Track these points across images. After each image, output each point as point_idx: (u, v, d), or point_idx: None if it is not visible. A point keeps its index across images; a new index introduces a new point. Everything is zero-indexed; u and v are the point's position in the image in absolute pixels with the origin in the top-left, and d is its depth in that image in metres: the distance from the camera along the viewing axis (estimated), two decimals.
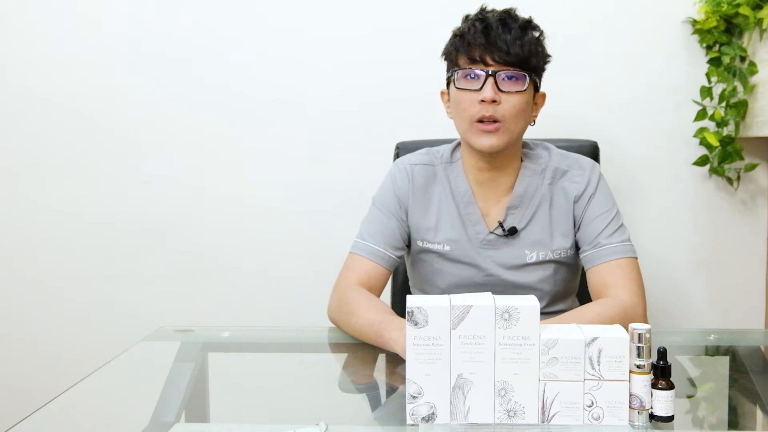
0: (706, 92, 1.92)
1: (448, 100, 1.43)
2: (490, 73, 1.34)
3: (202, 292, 2.12)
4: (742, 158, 1.93)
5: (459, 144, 1.50)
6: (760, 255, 2.03)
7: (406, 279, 1.66)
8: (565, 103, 1.93)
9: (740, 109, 1.87)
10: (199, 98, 2.06)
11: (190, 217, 2.10)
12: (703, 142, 1.94)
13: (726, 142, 1.91)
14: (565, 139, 1.72)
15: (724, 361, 1.37)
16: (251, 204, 2.09)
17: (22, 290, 2.14)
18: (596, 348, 0.93)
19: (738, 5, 1.83)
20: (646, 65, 1.99)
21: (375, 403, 1.14)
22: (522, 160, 1.47)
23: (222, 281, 2.11)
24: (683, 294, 2.06)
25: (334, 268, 1.48)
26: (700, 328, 1.94)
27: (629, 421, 0.94)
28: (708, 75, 1.92)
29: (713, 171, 1.97)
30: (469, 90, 1.36)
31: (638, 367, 0.93)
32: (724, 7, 1.86)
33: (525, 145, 1.49)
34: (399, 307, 1.72)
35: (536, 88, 1.41)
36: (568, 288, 1.51)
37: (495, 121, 1.35)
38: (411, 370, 0.95)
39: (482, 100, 1.33)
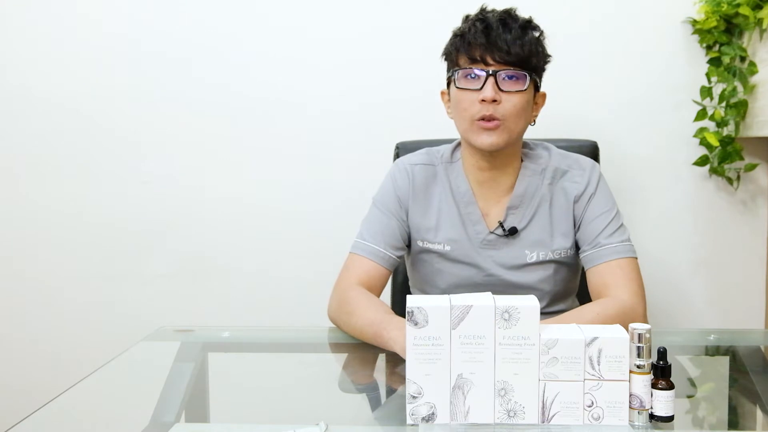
0: (706, 92, 1.92)
1: (449, 100, 1.43)
2: (490, 72, 1.34)
3: (202, 292, 2.12)
4: (742, 158, 1.93)
5: (459, 144, 1.50)
6: (760, 255, 2.03)
7: (406, 279, 1.66)
8: (565, 103, 1.93)
9: (740, 109, 1.87)
10: (199, 98, 2.06)
11: (190, 217, 2.10)
12: (703, 142, 1.94)
13: (726, 142, 1.91)
14: (565, 139, 1.72)
15: (724, 361, 1.37)
16: (251, 204, 2.09)
17: (22, 290, 2.14)
18: (596, 348, 0.93)
19: (738, 5, 1.83)
20: (646, 65, 1.99)
21: (375, 403, 1.14)
22: (522, 160, 1.47)
23: (222, 281, 2.11)
24: (683, 294, 2.06)
25: (334, 268, 1.48)
26: (700, 328, 1.94)
27: (629, 421, 0.94)
28: (708, 75, 1.92)
29: (713, 171, 1.97)
30: (470, 90, 1.36)
31: (638, 367, 0.93)
32: (724, 7, 1.86)
33: (525, 145, 1.49)
34: (399, 307, 1.72)
35: (536, 88, 1.41)
36: (568, 288, 1.51)
37: (497, 120, 1.35)
38: (411, 370, 0.95)
39: (482, 100, 1.33)
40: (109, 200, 2.10)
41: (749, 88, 1.86)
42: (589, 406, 0.94)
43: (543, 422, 0.95)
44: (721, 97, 1.89)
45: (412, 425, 0.95)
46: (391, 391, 1.16)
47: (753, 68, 1.85)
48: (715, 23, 1.88)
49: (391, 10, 2.02)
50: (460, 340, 0.94)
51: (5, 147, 2.10)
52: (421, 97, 1.96)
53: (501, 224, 1.44)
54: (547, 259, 1.44)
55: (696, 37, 1.96)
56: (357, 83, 2.04)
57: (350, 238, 1.49)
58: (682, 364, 1.28)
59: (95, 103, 2.08)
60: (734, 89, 1.86)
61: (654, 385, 0.93)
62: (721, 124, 1.91)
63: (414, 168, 1.49)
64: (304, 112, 2.06)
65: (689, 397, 1.13)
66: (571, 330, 0.96)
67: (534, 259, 1.43)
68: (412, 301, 0.95)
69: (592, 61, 2.00)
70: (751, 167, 1.96)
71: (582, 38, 1.98)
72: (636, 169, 2.02)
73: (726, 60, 1.89)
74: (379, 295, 1.43)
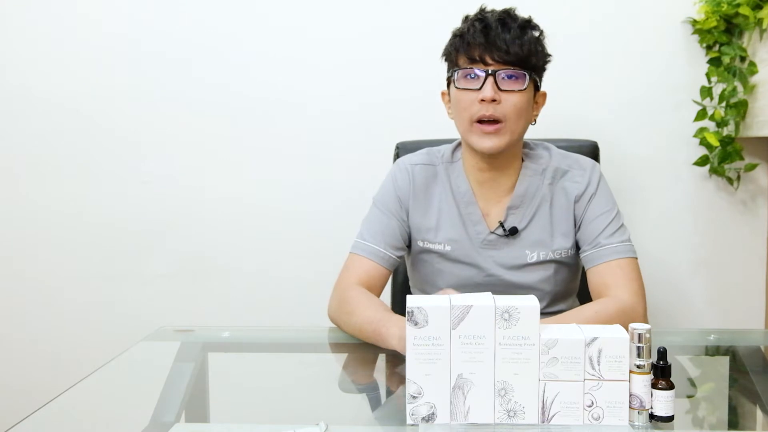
0: (706, 92, 1.92)
1: (449, 100, 1.43)
2: (489, 72, 1.34)
3: (202, 292, 2.12)
4: (742, 158, 1.93)
5: (460, 144, 1.50)
6: (760, 255, 2.03)
7: (406, 279, 1.66)
8: (565, 103, 1.93)
9: (740, 109, 1.87)
10: (199, 98, 2.06)
11: (190, 217, 2.10)
12: (703, 142, 1.94)
13: (726, 142, 1.91)
14: (565, 139, 1.72)
15: (724, 361, 1.37)
16: (251, 204, 2.09)
17: (22, 290, 2.14)
18: (596, 348, 0.93)
19: (738, 5, 1.83)
20: (646, 65, 1.99)
21: (375, 403, 1.14)
22: (523, 160, 1.47)
23: (222, 281, 2.11)
24: (683, 294, 2.06)
25: (334, 268, 1.48)
26: (700, 328, 1.94)
27: (629, 421, 0.94)
28: (708, 75, 1.92)
29: (713, 171, 1.97)
30: (469, 90, 1.36)
31: (638, 367, 0.93)
32: (724, 7, 1.86)
33: (525, 145, 1.49)
34: (399, 307, 1.72)
35: (537, 88, 1.41)
36: (569, 288, 1.51)
37: (496, 121, 1.35)
38: (411, 370, 0.95)
39: (482, 100, 1.34)
40: (109, 200, 2.10)
41: (749, 88, 1.86)
42: (589, 406, 0.94)
43: (543, 422, 0.95)
44: (721, 97, 1.89)
45: (412, 425, 0.95)
46: (391, 391, 1.16)
47: (753, 68, 1.85)
48: (715, 23, 1.88)
49: (391, 10, 2.02)
50: (460, 340, 0.94)
51: (5, 147, 2.10)
52: (421, 97, 1.96)
53: (501, 224, 1.44)
54: (548, 259, 1.44)
55: (696, 37, 1.96)
56: (357, 83, 2.04)
57: (350, 238, 1.49)
58: (682, 364, 1.28)
59: (95, 103, 2.08)
60: (734, 89, 1.86)
61: (654, 385, 0.93)
62: (721, 124, 1.91)
63: (414, 168, 1.49)
64: (304, 112, 2.06)
65: (689, 397, 1.13)
66: (571, 330, 0.96)
67: (534, 259, 1.43)
68: (412, 301, 0.95)
69: (592, 61, 2.00)
70: (751, 167, 1.96)
71: (582, 38, 1.98)
72: (636, 169, 2.02)
73: (726, 60, 1.89)
74: (379, 296, 1.43)
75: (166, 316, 2.06)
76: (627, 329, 0.95)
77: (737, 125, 1.90)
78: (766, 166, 2.01)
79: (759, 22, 1.80)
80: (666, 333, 1.46)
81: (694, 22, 1.94)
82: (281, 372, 1.30)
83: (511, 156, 1.44)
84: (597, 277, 1.38)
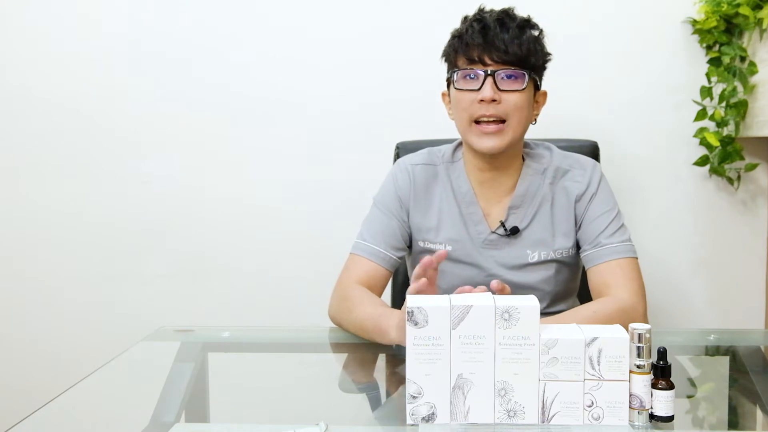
0: (706, 92, 1.92)
1: (449, 101, 1.43)
2: (488, 72, 1.34)
3: (202, 292, 2.12)
4: (742, 158, 1.93)
5: (460, 144, 1.50)
6: (760, 255, 2.03)
7: (406, 279, 1.66)
8: (565, 103, 1.93)
9: (740, 109, 1.87)
10: (199, 98, 2.06)
11: (190, 217, 2.10)
12: (703, 142, 1.93)
13: (726, 142, 1.91)
14: (565, 139, 1.72)
15: (724, 361, 1.37)
16: (251, 204, 2.09)
17: (22, 290, 2.14)
18: (596, 348, 0.93)
19: (738, 5, 1.83)
20: (646, 65, 1.99)
21: (375, 403, 1.14)
22: (524, 160, 1.47)
23: (222, 281, 2.11)
24: (683, 294, 2.06)
25: (334, 268, 1.48)
26: (700, 328, 1.93)
27: (629, 421, 0.94)
28: (708, 75, 1.92)
29: (713, 171, 1.97)
30: (469, 90, 1.36)
31: (638, 367, 0.93)
32: (724, 7, 1.86)
33: (526, 144, 1.49)
34: (399, 307, 1.72)
35: (537, 87, 1.41)
36: (569, 288, 1.51)
37: (496, 121, 1.35)
38: (411, 370, 0.95)
39: (481, 100, 1.34)
40: (109, 200, 2.10)
41: (749, 88, 1.86)
42: (589, 406, 0.94)
43: (543, 422, 0.95)
44: (721, 97, 1.89)
45: (412, 425, 0.95)
46: (390, 392, 1.16)
47: (753, 68, 1.85)
48: (715, 23, 1.88)
49: (391, 10, 2.02)
50: (460, 340, 0.94)
51: (5, 147, 2.10)
52: (421, 97, 1.96)
53: (503, 224, 1.44)
54: (549, 258, 1.44)
55: (696, 37, 1.96)
56: (357, 83, 2.04)
57: (350, 238, 1.49)
58: (682, 364, 1.28)
59: (95, 103, 2.08)
60: (734, 89, 1.86)
61: (654, 385, 0.93)
62: (721, 124, 1.91)
63: (415, 168, 1.49)
64: (304, 112, 2.06)
65: (689, 397, 1.13)
66: (571, 330, 0.96)
67: (536, 259, 1.43)
68: (412, 301, 0.95)
69: (592, 61, 2.00)
70: (752, 167, 1.96)
71: (582, 38, 1.98)
72: (636, 169, 2.02)
73: (726, 60, 1.89)
74: (379, 296, 1.43)
75: (166, 316, 2.06)
76: (627, 329, 0.95)
77: (737, 125, 1.90)
78: (766, 166, 2.01)
79: (759, 22, 1.80)
80: (666, 333, 1.46)
81: (694, 22, 1.94)
82: (281, 372, 1.30)
83: (512, 156, 1.44)
84: (597, 276, 1.38)
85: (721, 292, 2.05)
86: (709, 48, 1.95)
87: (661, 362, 0.94)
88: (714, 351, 1.39)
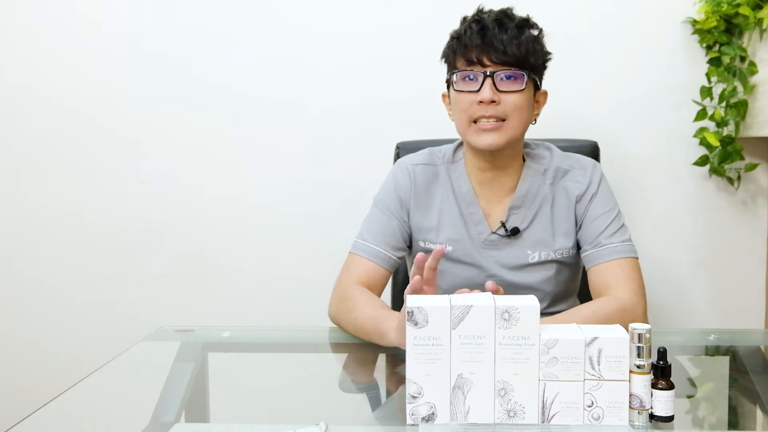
0: (706, 92, 1.92)
1: (449, 102, 1.43)
2: (487, 73, 1.34)
3: (202, 292, 2.12)
4: (742, 158, 1.93)
5: (461, 144, 1.50)
6: (760, 255, 2.03)
7: (406, 279, 1.66)
8: (565, 103, 1.93)
9: (740, 109, 1.87)
10: (199, 98, 2.06)
11: (190, 217, 2.10)
12: (703, 142, 1.94)
13: (726, 142, 1.91)
14: (565, 139, 1.72)
15: (724, 361, 1.37)
16: (251, 204, 2.09)
17: (22, 290, 2.14)
18: (596, 348, 0.93)
19: (738, 5, 1.83)
20: (646, 65, 1.99)
21: (375, 403, 1.14)
22: (524, 160, 1.47)
23: (222, 281, 2.11)
24: (683, 294, 2.06)
25: (334, 268, 1.48)
26: (700, 328, 1.93)
27: (629, 421, 0.94)
28: (708, 75, 1.92)
29: (713, 171, 1.97)
30: (468, 91, 1.36)
31: (638, 367, 0.93)
32: (724, 7, 1.86)
33: (526, 145, 1.49)
34: (399, 307, 1.71)
35: (537, 87, 1.41)
36: (569, 288, 1.51)
37: (497, 120, 1.35)
38: (411, 370, 0.95)
39: (481, 101, 1.33)
40: (109, 200, 2.10)
41: (749, 88, 1.86)
42: (589, 406, 0.94)
43: (543, 422, 0.95)
44: (721, 97, 1.89)
45: (412, 425, 0.95)
46: (390, 392, 1.16)
47: (753, 68, 1.85)
48: (715, 23, 1.88)
49: (391, 10, 2.02)
50: (460, 340, 0.94)
51: (5, 147, 2.10)
52: (421, 97, 1.96)
53: (503, 224, 1.44)
54: (549, 259, 1.44)
55: (696, 37, 1.96)
56: (357, 83, 2.04)
57: (350, 238, 1.49)
58: (682, 364, 1.28)
59: (95, 103, 2.08)
60: (734, 89, 1.86)
61: (654, 385, 0.93)
62: (721, 124, 1.91)
63: (416, 168, 1.49)
64: (304, 112, 2.06)
65: (689, 397, 1.13)
66: (571, 330, 0.96)
67: (536, 259, 1.43)
68: (412, 301, 0.95)
69: (592, 61, 2.00)
70: (752, 167, 1.96)
71: (582, 38, 1.98)
72: (636, 169, 2.02)
73: (726, 60, 1.89)
74: (379, 296, 1.43)
75: (166, 316, 2.06)
76: (627, 329, 0.95)
77: (737, 125, 1.90)
78: (766, 166, 2.01)
79: (759, 22, 1.80)
80: (666, 333, 1.46)
81: (694, 22, 1.94)
82: (281, 372, 1.30)
83: (512, 156, 1.44)
84: (597, 276, 1.38)
85: (721, 292, 2.05)
86: (709, 48, 1.95)
87: (661, 362, 0.94)
88: (714, 351, 1.39)
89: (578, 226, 1.44)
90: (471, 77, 1.36)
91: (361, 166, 2.03)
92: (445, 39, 1.43)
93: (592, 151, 1.72)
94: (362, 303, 1.34)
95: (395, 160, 1.67)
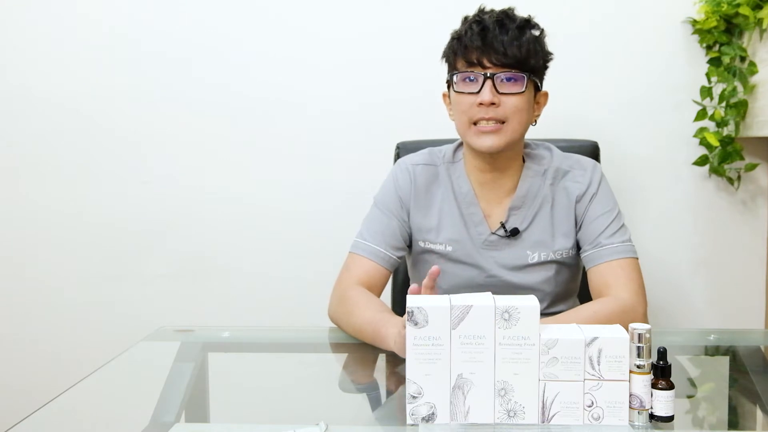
0: (706, 92, 1.92)
1: (450, 103, 1.43)
2: (488, 75, 1.33)
3: (202, 292, 2.12)
4: (742, 158, 1.93)
5: (461, 144, 1.50)
6: (760, 255, 2.03)
7: (406, 279, 1.66)
8: (565, 103, 1.93)
9: (740, 109, 1.87)
10: (199, 98, 2.06)
11: (190, 217, 2.10)
12: (703, 142, 1.93)
13: (726, 142, 1.91)
14: (565, 139, 1.72)
15: (724, 361, 1.37)
16: (251, 204, 2.09)
17: (22, 290, 2.14)
18: (596, 348, 0.93)
19: (738, 5, 1.83)
20: (646, 65, 1.99)
21: (375, 403, 1.14)
22: (524, 161, 1.47)
23: (222, 281, 2.11)
24: (683, 294, 2.06)
25: (334, 268, 1.48)
26: (700, 328, 1.93)
27: (629, 421, 0.94)
28: (708, 75, 1.92)
29: (713, 171, 1.97)
30: (468, 93, 1.35)
31: (638, 367, 0.93)
32: (724, 7, 1.86)
33: (526, 145, 1.49)
34: (399, 307, 1.72)
35: (537, 88, 1.41)
36: (569, 289, 1.51)
37: (497, 122, 1.35)
38: (411, 370, 0.95)
39: (480, 103, 1.33)
40: (109, 200, 2.10)
41: (749, 88, 1.86)
42: (589, 406, 0.94)
43: (543, 422, 0.95)
44: (721, 97, 1.89)
45: (412, 425, 0.95)
46: (390, 392, 1.16)
47: (753, 68, 1.85)
48: (715, 23, 1.88)
49: (391, 10, 2.02)
50: (460, 340, 0.94)
51: (5, 147, 2.10)
52: (421, 97, 1.96)
53: (503, 225, 1.43)
54: (549, 259, 1.43)
55: (696, 37, 1.96)
56: (357, 83, 2.04)
57: (350, 238, 1.49)
58: (682, 364, 1.28)
59: (95, 103, 2.08)
60: (734, 89, 1.86)
61: (654, 385, 0.93)
62: (721, 124, 1.91)
63: (416, 168, 1.49)
64: (304, 112, 2.06)
65: (689, 397, 1.13)
66: (571, 330, 0.96)
67: (536, 260, 1.43)
68: (412, 301, 0.95)
69: (592, 61, 2.00)
70: (752, 167, 1.96)
71: (582, 38, 1.98)
72: (636, 169, 2.02)
73: (726, 60, 1.89)
74: (379, 296, 1.43)
75: (166, 316, 2.06)
76: (627, 329, 0.95)
77: (737, 125, 1.90)
78: (766, 166, 2.01)
79: (759, 22, 1.80)
80: (666, 333, 1.46)
81: (694, 22, 1.94)
82: (281, 372, 1.31)
83: (512, 156, 1.44)
84: (597, 276, 1.38)
85: (721, 292, 2.05)
86: (709, 48, 1.95)
87: (661, 362, 0.94)
88: (714, 351, 1.39)
89: (578, 227, 1.44)
90: (471, 78, 1.35)
91: (361, 166, 2.03)
92: (445, 39, 1.43)
93: (592, 151, 1.72)
94: (362, 305, 1.34)
95: (395, 160, 1.67)
